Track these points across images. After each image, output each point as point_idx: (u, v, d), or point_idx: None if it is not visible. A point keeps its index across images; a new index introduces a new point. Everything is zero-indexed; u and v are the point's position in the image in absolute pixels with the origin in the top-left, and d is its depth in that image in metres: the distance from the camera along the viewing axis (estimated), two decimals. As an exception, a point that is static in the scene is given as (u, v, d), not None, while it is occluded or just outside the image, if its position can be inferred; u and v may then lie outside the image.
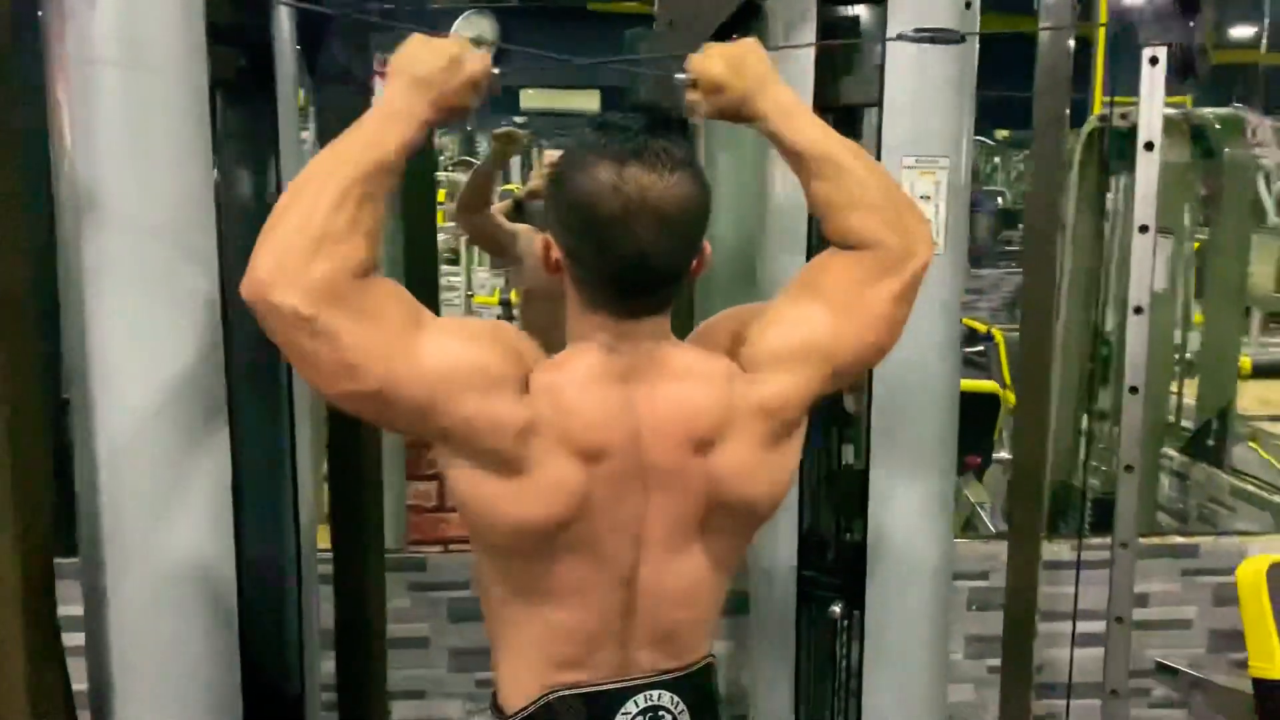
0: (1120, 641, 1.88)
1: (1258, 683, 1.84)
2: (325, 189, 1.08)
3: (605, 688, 1.22)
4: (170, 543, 1.49)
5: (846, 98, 1.84)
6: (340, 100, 1.80)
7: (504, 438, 1.11)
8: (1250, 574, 1.87)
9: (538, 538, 1.17)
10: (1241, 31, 8.65)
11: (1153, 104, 1.72)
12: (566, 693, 1.22)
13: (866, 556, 1.82)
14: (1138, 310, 1.78)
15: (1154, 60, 1.71)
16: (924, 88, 1.82)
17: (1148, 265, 1.76)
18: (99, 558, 1.48)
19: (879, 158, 1.78)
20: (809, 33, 1.83)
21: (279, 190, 1.62)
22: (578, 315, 1.20)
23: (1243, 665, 2.37)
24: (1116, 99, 2.67)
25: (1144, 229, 1.75)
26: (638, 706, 1.23)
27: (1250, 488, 3.41)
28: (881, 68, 1.78)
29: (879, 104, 1.79)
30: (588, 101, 7.63)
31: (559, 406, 1.14)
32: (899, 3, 1.79)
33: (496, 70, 1.21)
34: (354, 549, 1.93)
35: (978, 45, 1.85)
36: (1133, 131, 1.75)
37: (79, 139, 1.42)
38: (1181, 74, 1.68)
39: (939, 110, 1.85)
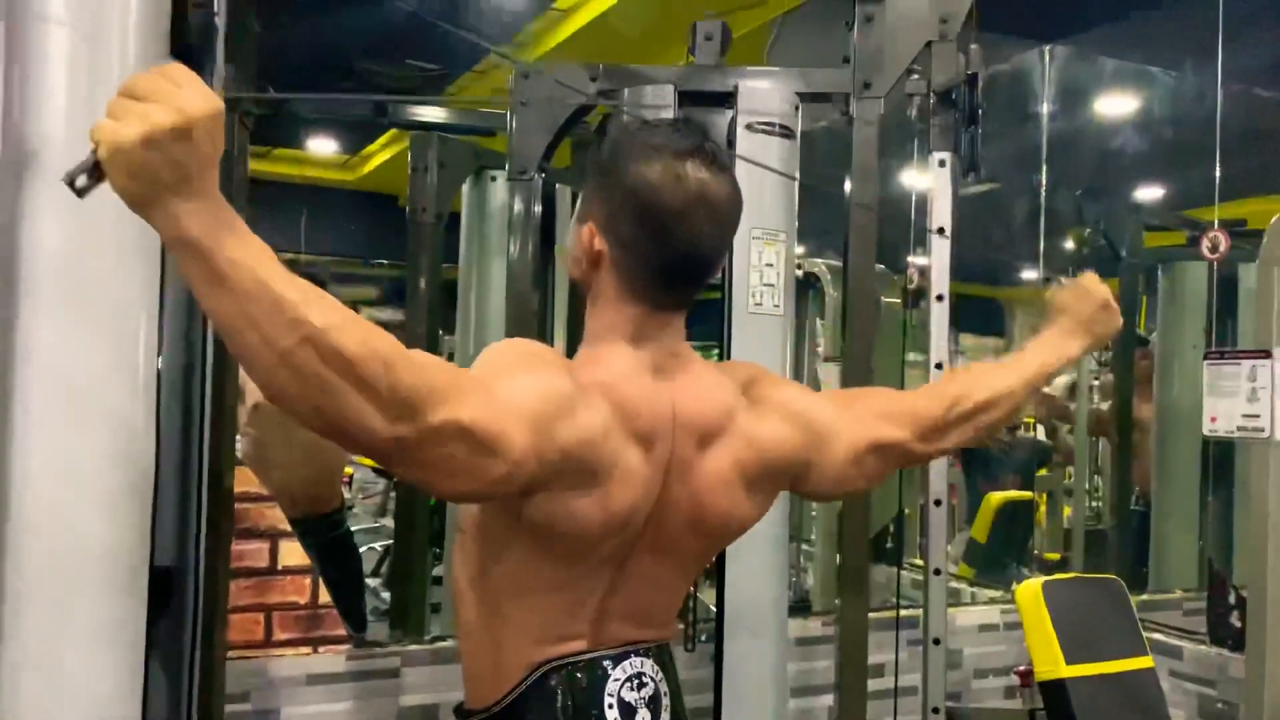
0: (937, 661, 2.13)
1: (1045, 685, 2.16)
2: (317, 321, 0.93)
3: (593, 655, 1.27)
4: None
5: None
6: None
7: (595, 447, 1.15)
8: (1028, 594, 2.22)
9: (611, 533, 1.20)
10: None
11: (944, 198, 2.13)
12: (561, 662, 1.25)
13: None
14: (938, 366, 2.13)
15: (943, 162, 2.13)
16: (766, 175, 2.14)
17: (944, 329, 2.13)
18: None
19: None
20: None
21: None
22: (613, 307, 1.26)
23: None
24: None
25: (940, 298, 2.13)
26: (625, 673, 1.28)
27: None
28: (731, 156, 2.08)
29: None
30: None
31: (615, 399, 1.19)
32: (745, 103, 2.13)
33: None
34: None
35: (799, 146, 2.21)
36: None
37: (28, 96, 1.31)
38: (965, 173, 2.12)
39: (777, 194, 2.16)
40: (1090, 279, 1.62)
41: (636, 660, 1.29)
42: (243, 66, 1.67)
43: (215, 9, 1.52)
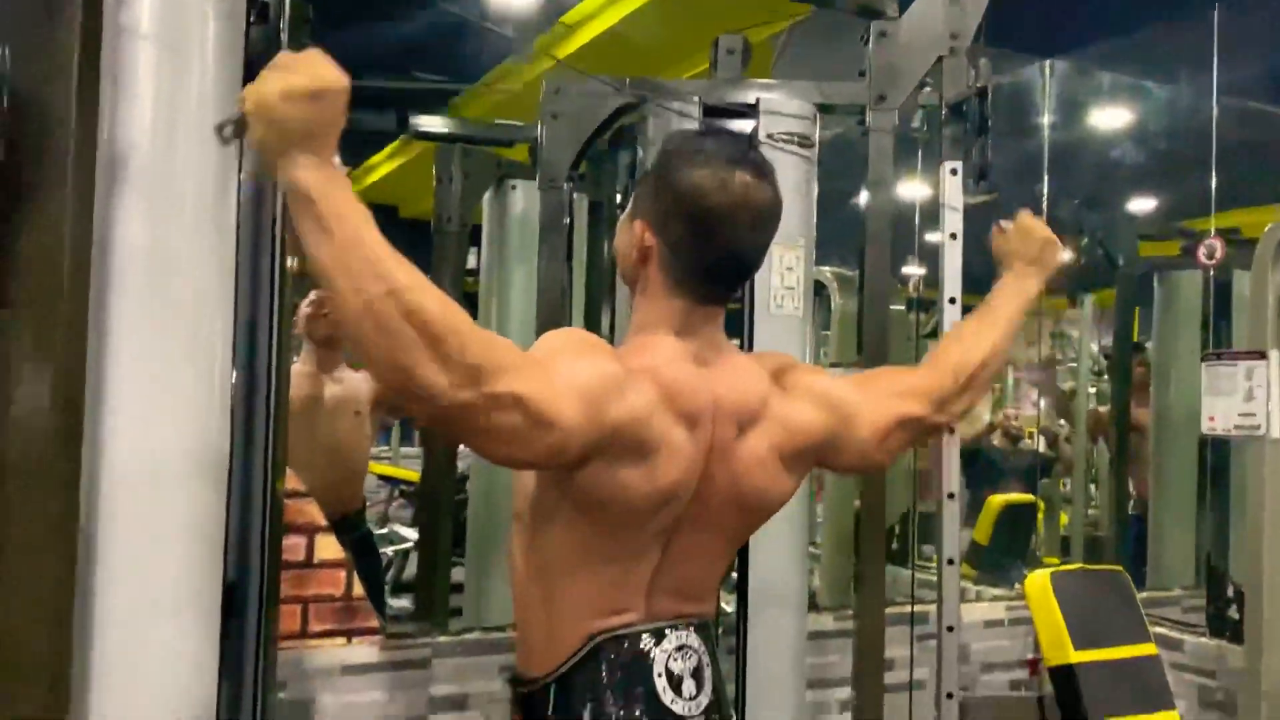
0: (951, 647, 2.22)
1: (1054, 671, 2.25)
2: (392, 278, 1.05)
3: (644, 627, 1.36)
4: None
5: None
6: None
7: (642, 424, 1.25)
8: (1037, 584, 2.32)
9: (657, 507, 1.29)
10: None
11: (955, 206, 2.23)
12: (613, 634, 1.34)
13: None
14: (951, 365, 2.23)
15: (954, 171, 2.24)
16: (783, 185, 2.24)
17: (955, 330, 2.23)
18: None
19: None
20: (692, 136, 2.21)
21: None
22: (659, 299, 1.36)
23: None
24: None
25: (952, 300, 2.23)
26: (672, 644, 1.37)
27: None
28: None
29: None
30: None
31: (661, 382, 1.28)
32: (766, 114, 2.23)
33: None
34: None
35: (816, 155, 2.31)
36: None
37: (117, 112, 1.39)
38: (976, 181, 2.22)
39: (796, 202, 2.26)
40: (1027, 218, 1.73)
41: (682, 633, 1.38)
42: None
43: (281, 26, 1.62)
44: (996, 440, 6.18)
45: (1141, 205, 5.60)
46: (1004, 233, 1.74)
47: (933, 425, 1.59)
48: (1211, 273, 3.60)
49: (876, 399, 1.51)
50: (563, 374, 1.19)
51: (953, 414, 1.60)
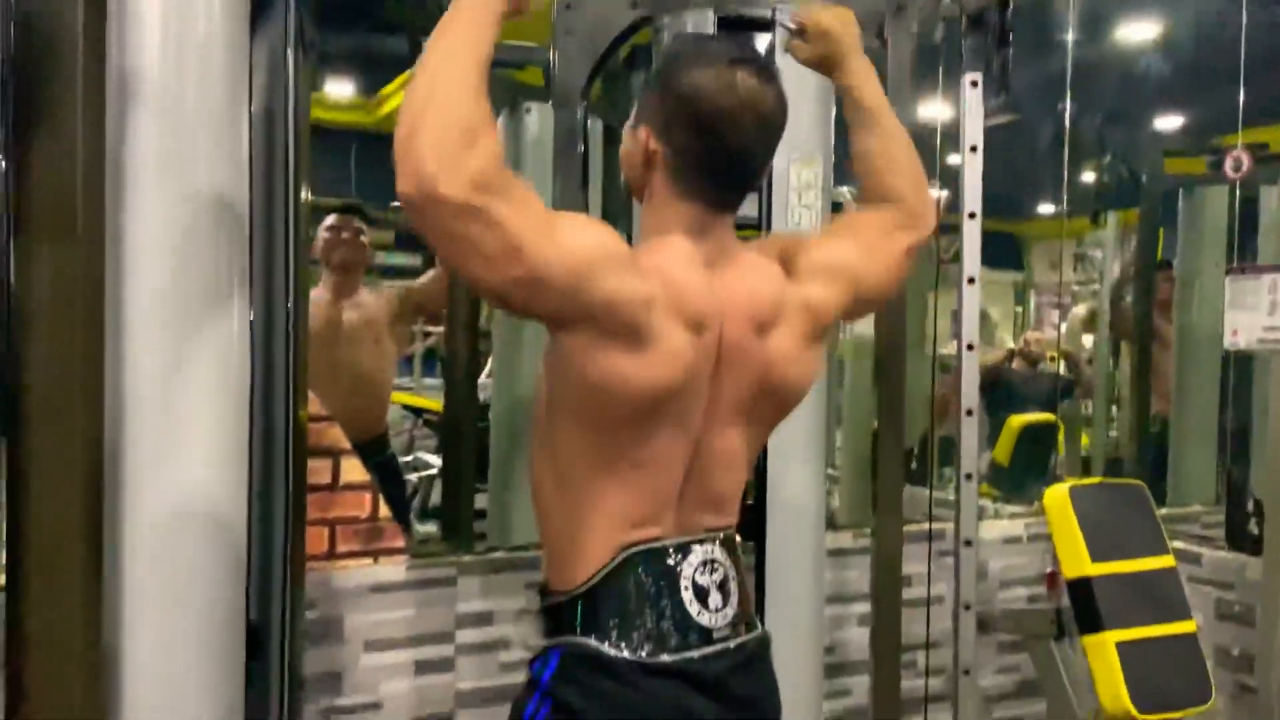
0: (969, 560, 2.24)
1: (1071, 583, 2.27)
2: (459, 83, 1.12)
3: (670, 542, 1.37)
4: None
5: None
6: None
7: (637, 309, 1.25)
8: (1056, 497, 2.33)
9: (652, 404, 1.29)
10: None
11: (975, 118, 2.20)
12: (642, 548, 1.35)
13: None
14: (970, 280, 2.21)
15: (974, 83, 2.20)
16: (801, 99, 2.21)
17: (976, 246, 2.21)
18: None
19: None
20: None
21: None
22: (666, 206, 1.36)
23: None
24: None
25: (972, 215, 2.21)
26: (699, 558, 1.38)
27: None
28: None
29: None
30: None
31: (668, 282, 1.28)
32: (784, 27, 2.19)
33: None
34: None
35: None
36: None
37: (125, 30, 1.39)
38: (996, 92, 2.19)
39: (813, 117, 2.24)
40: (810, 15, 1.60)
41: (708, 546, 1.39)
42: (307, 7, 1.76)
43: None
44: (1016, 365, 6.16)
45: (1168, 123, 5.50)
46: (805, 43, 1.60)
47: (925, 240, 1.60)
48: (1238, 188, 3.54)
49: (875, 244, 1.52)
50: (562, 228, 1.20)
51: (931, 221, 1.60)
